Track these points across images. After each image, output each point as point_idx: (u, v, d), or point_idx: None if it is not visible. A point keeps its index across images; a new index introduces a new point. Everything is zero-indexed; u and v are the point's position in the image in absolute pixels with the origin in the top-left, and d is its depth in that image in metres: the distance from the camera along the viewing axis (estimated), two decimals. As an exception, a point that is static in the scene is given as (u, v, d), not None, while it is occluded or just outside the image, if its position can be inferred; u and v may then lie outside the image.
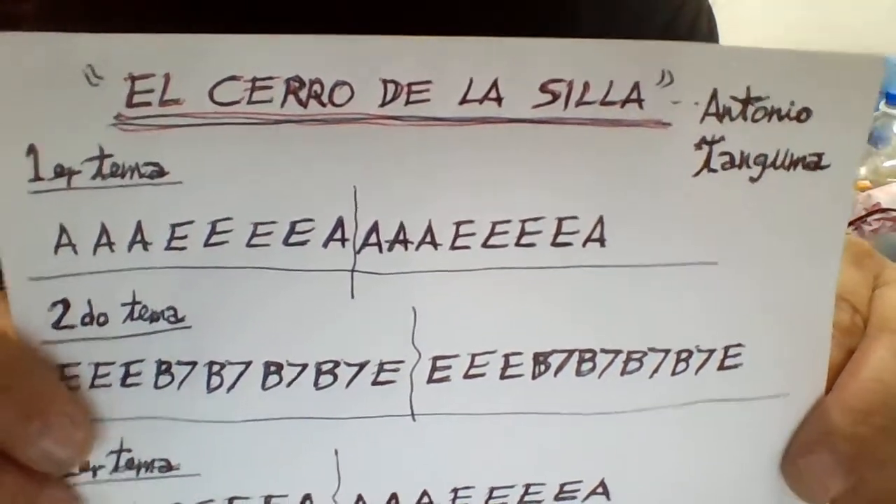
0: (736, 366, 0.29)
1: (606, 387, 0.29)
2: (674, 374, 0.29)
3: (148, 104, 0.26)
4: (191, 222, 0.27)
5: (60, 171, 0.26)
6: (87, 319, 0.27)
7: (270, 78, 0.26)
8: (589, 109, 0.26)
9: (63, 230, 0.27)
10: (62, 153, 0.26)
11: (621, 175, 0.27)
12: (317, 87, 0.26)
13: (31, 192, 0.26)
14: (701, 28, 0.52)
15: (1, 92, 0.25)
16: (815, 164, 0.28)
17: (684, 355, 0.29)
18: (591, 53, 0.26)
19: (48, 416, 0.26)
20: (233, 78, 0.26)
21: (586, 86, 0.26)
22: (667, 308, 0.28)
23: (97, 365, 0.27)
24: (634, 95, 0.26)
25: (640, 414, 0.29)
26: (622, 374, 0.29)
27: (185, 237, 0.27)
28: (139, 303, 0.27)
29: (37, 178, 0.26)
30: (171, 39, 0.25)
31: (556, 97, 0.26)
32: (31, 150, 0.26)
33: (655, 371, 0.29)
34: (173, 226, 0.27)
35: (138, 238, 0.27)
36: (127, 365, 0.28)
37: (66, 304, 0.27)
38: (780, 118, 0.27)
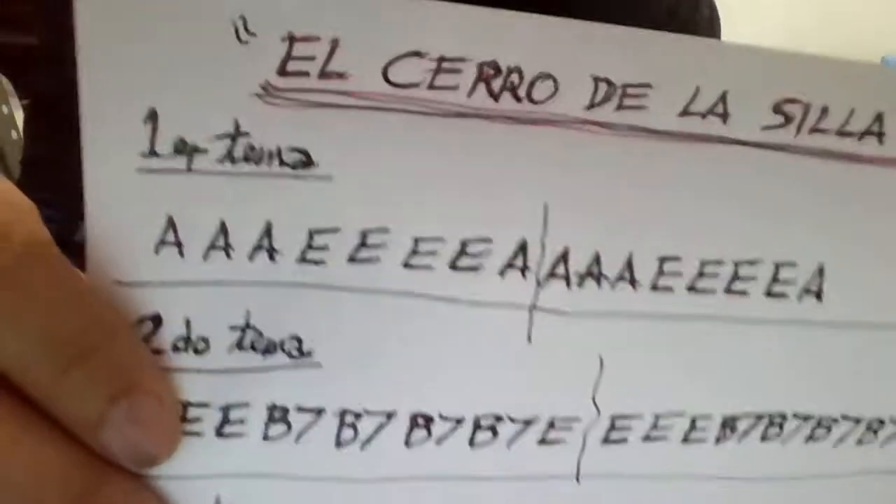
0: None
1: (787, 452, 0.25)
2: (859, 443, 0.25)
3: (305, 74, 0.20)
4: (335, 230, 0.21)
5: (181, 148, 0.20)
6: (180, 344, 0.21)
7: (461, 59, 0.21)
8: (823, 138, 0.23)
9: (171, 224, 0.21)
10: (188, 124, 0.20)
11: (849, 220, 0.23)
12: (514, 78, 0.21)
13: (139, 170, 0.20)
14: (702, 13, 0.50)
15: (124, 39, 0.19)
16: None
17: (875, 425, 0.25)
18: (834, 74, 0.22)
19: (136, 393, 0.19)
20: (415, 54, 0.21)
21: (824, 111, 0.22)
22: (875, 374, 0.25)
23: (186, 406, 0.21)
24: (875, 128, 0.23)
25: (814, 480, 0.25)
26: (807, 440, 0.25)
27: (325, 248, 0.21)
28: (253, 327, 0.21)
29: (151, 152, 0.20)
30: None
31: (788, 120, 0.22)
32: (151, 116, 0.20)
33: (841, 440, 0.25)
34: (312, 232, 0.21)
35: (265, 244, 0.21)
36: (226, 409, 0.21)
37: (156, 320, 0.21)
38: None
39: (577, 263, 0.22)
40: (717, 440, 0.24)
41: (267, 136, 0.21)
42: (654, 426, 0.23)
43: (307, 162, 0.21)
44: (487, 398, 0.22)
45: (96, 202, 0.20)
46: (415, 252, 0.21)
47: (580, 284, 0.22)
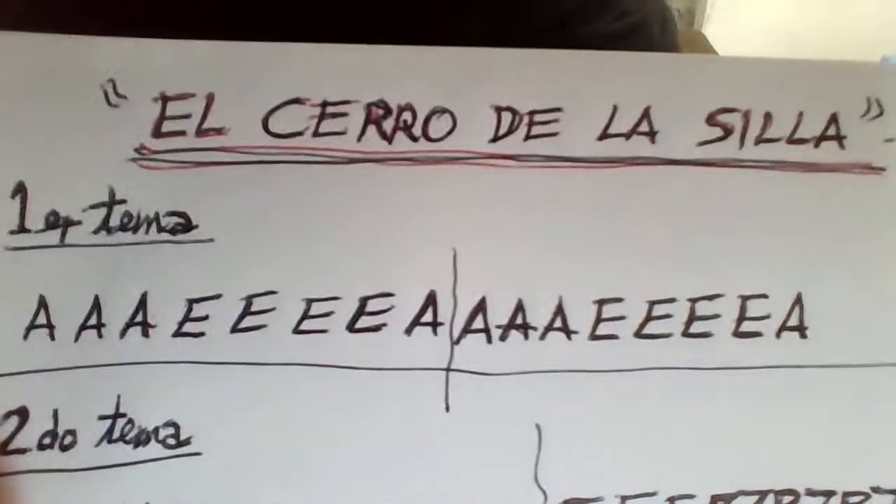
0: None
1: None
2: None
3: (182, 133, 0.19)
4: (217, 296, 0.19)
5: (54, 222, 0.19)
6: (46, 440, 0.19)
7: (346, 102, 0.19)
8: (773, 149, 0.20)
9: (42, 304, 0.19)
10: (60, 196, 0.19)
11: (820, 237, 0.20)
12: (407, 116, 0.19)
13: (8, 249, 0.19)
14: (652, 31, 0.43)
15: None
16: None
17: None
18: (770, 75, 0.20)
19: None
20: (296, 101, 0.19)
21: (768, 118, 0.20)
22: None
23: None
24: (832, 131, 0.20)
25: None
26: None
27: (205, 318, 0.19)
28: (123, 415, 0.19)
29: (21, 229, 0.19)
30: (218, 48, 0.19)
31: (728, 132, 0.20)
32: (19, 189, 0.19)
33: None
34: (191, 301, 0.19)
35: (138, 318, 0.19)
36: None
37: (23, 414, 0.19)
38: None
39: (498, 314, 0.19)
40: None
41: (144, 201, 0.19)
42: None
43: (187, 225, 0.19)
44: (404, 486, 0.19)
45: None
46: (307, 315, 0.19)
47: (503, 338, 0.19)
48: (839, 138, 0.20)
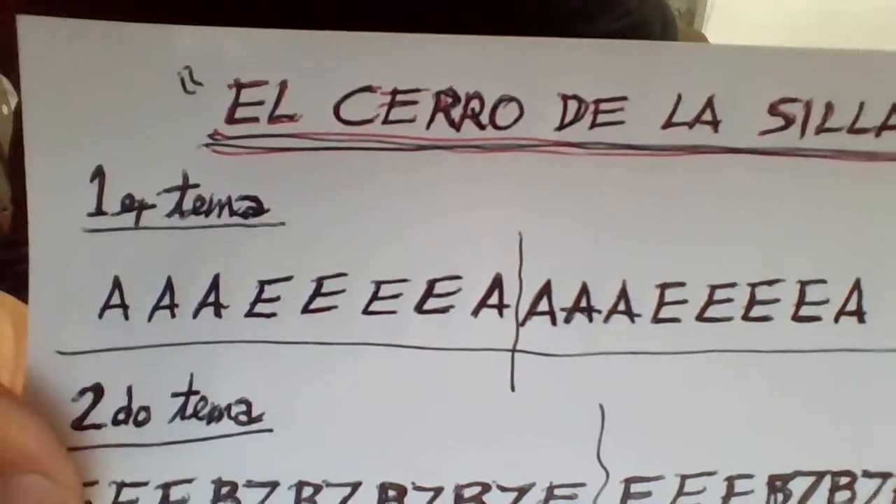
0: None
1: None
2: None
3: (255, 120, 0.20)
4: (288, 279, 0.19)
5: (129, 205, 0.19)
6: (121, 416, 0.19)
7: (416, 90, 0.20)
8: (834, 138, 0.20)
9: (117, 285, 0.19)
10: (136, 180, 0.19)
11: (881, 224, 0.20)
12: (475, 104, 0.20)
13: (86, 230, 0.19)
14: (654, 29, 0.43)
15: (69, 94, 0.19)
16: None
17: None
18: (831, 65, 0.20)
19: (18, 473, 0.17)
20: (367, 89, 0.20)
21: (829, 108, 0.20)
22: None
23: (120, 486, 0.19)
24: (894, 121, 0.20)
25: None
26: None
27: (276, 299, 0.19)
28: (197, 393, 0.19)
29: (98, 211, 0.19)
30: (290, 37, 0.20)
31: (789, 122, 0.20)
32: (98, 173, 0.19)
33: None
34: (262, 283, 0.19)
35: (211, 299, 0.19)
36: (166, 487, 0.19)
37: (98, 391, 0.19)
38: None
39: (562, 297, 0.19)
40: None
41: (216, 186, 0.20)
42: (681, 491, 0.20)
43: (258, 209, 0.20)
44: (469, 463, 0.19)
45: (41, 264, 0.19)
46: (376, 297, 0.19)
47: (567, 321, 0.19)
48: None
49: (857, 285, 0.20)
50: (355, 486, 0.19)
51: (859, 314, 0.20)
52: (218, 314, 0.19)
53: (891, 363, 0.20)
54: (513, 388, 0.19)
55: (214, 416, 0.19)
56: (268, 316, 0.19)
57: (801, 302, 0.20)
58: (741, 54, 0.20)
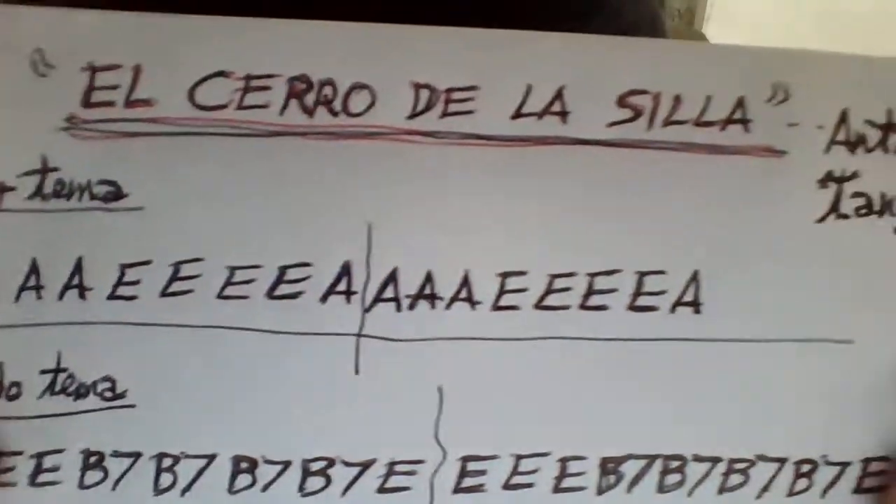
0: (879, 487, 0.21)
1: None
2: (791, 493, 0.21)
3: (110, 104, 0.20)
4: (147, 262, 0.20)
5: None
6: None
7: (269, 76, 0.20)
8: (680, 131, 0.20)
9: None
10: None
11: (721, 218, 0.21)
12: (328, 91, 0.20)
13: None
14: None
15: None
16: None
17: (806, 468, 0.21)
18: (681, 58, 0.20)
19: None
20: (221, 74, 0.20)
21: (677, 100, 0.20)
22: (783, 400, 0.21)
23: None
24: (738, 115, 0.20)
25: None
26: (720, 491, 0.21)
27: (137, 283, 0.20)
28: (64, 370, 0.20)
29: None
30: (145, 20, 0.20)
31: (637, 114, 0.20)
32: None
33: (766, 488, 0.21)
34: (123, 266, 0.20)
35: (75, 281, 0.20)
36: (40, 456, 0.20)
37: None
38: (936, 153, 0.21)
39: (408, 285, 0.20)
40: (600, 490, 0.21)
41: (76, 170, 0.20)
42: (516, 470, 0.21)
43: (118, 193, 0.20)
44: (316, 439, 0.20)
45: None
46: (230, 282, 0.20)
47: (411, 307, 0.20)
48: (745, 122, 0.20)
49: (694, 277, 0.21)
50: (211, 458, 0.20)
51: (695, 305, 0.21)
52: (83, 296, 0.20)
53: (724, 352, 0.21)
54: (357, 371, 0.20)
55: (81, 392, 0.20)
56: (129, 299, 0.20)
57: (639, 292, 0.21)
58: (592, 45, 0.20)
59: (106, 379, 0.20)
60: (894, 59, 0.21)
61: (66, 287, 0.20)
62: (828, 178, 0.21)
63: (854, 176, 0.21)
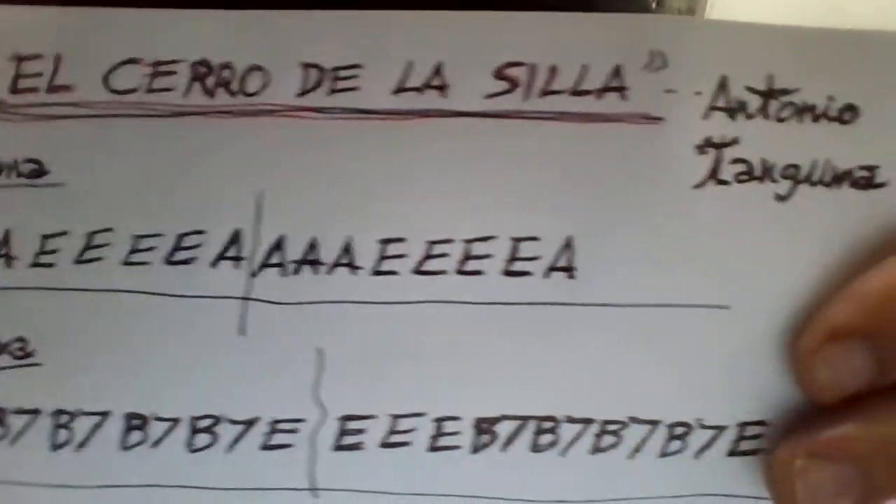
0: (755, 451, 0.21)
1: (572, 469, 0.21)
2: (663, 454, 0.21)
3: (34, 90, 0.22)
4: (64, 233, 0.22)
5: None
6: None
7: (174, 62, 0.22)
8: (557, 100, 0.21)
9: None
10: None
11: (597, 185, 0.21)
12: (226, 73, 0.21)
13: None
14: None
15: None
16: (865, 180, 0.21)
17: (679, 431, 0.21)
18: (558, 29, 0.21)
19: None
20: (132, 61, 0.22)
21: (553, 71, 0.21)
22: (657, 364, 0.21)
23: None
24: (615, 83, 0.21)
25: None
26: (593, 451, 0.21)
27: (55, 251, 0.22)
28: None
29: None
30: (62, 13, 0.22)
31: (515, 85, 0.21)
32: None
33: (637, 450, 0.21)
34: (44, 237, 0.22)
35: (3, 251, 0.22)
36: None
37: None
38: (816, 118, 0.21)
39: (294, 252, 0.21)
40: (475, 448, 0.21)
41: (4, 150, 0.22)
42: (393, 429, 0.21)
43: (41, 171, 0.22)
44: (203, 397, 0.21)
45: None
46: (134, 249, 0.22)
47: (296, 272, 0.21)
48: (621, 90, 0.21)
49: (568, 243, 0.21)
50: (105, 415, 0.22)
51: (569, 270, 0.21)
52: (9, 265, 0.22)
53: (598, 317, 0.21)
54: (242, 332, 0.21)
55: None
56: (47, 266, 0.22)
57: (513, 258, 0.21)
58: (469, 20, 0.21)
59: (19, 339, 0.22)
60: (774, 25, 0.20)
61: None
62: (706, 144, 0.21)
63: (734, 142, 0.20)
